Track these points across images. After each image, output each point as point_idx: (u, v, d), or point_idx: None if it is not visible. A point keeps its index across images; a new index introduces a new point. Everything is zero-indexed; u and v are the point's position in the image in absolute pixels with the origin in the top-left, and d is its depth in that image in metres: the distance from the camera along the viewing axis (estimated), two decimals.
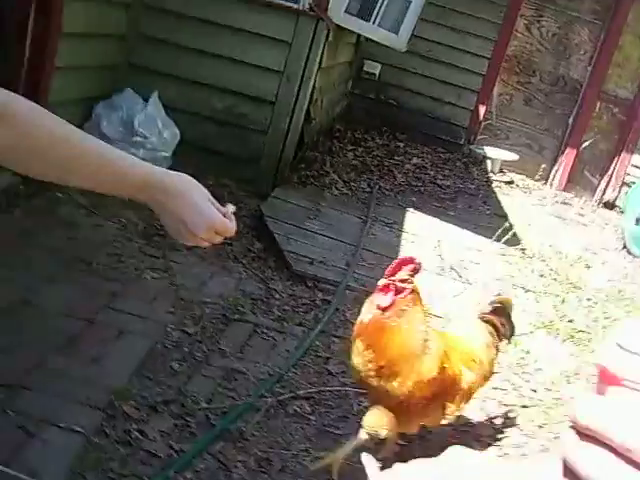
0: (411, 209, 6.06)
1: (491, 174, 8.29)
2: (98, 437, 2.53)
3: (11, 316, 3.09)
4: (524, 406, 3.49)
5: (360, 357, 2.54)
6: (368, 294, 2.65)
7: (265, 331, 3.53)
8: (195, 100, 5.32)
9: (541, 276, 5.32)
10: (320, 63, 5.42)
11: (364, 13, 5.98)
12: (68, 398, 2.69)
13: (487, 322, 2.95)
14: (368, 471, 2.60)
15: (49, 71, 4.33)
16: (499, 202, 7.29)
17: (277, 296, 3.91)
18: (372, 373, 2.51)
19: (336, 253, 4.54)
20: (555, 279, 5.29)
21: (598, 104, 8.69)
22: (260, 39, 5.19)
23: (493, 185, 7.96)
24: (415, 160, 7.60)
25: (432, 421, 2.77)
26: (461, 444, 3.08)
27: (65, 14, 4.32)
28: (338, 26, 5.73)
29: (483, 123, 8.78)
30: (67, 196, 4.40)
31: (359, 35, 7.59)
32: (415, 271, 2.48)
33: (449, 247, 5.29)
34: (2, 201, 4.14)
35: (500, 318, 2.98)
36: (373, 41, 7.16)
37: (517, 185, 8.40)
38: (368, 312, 2.52)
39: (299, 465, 2.68)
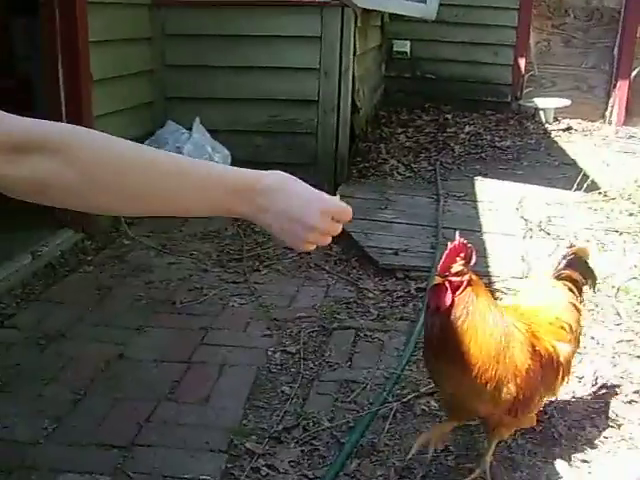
0: (478, 177, 5.84)
1: (547, 125, 8.03)
2: None
3: (109, 373, 2.99)
4: None
5: (446, 377, 2.21)
6: None
7: (368, 333, 3.35)
8: (238, 117, 5.20)
9: (631, 215, 5.06)
10: (354, 51, 5.24)
11: None
12: (186, 446, 2.55)
13: (564, 279, 2.58)
14: None
15: (88, 120, 4.23)
16: (563, 151, 7.03)
17: (370, 295, 3.73)
18: (467, 391, 2.18)
19: (418, 238, 4.33)
20: None
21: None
22: (289, 40, 5.03)
23: (552, 135, 7.69)
24: (468, 128, 7.37)
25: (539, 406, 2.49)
26: (605, 408, 2.88)
27: (92, 61, 4.24)
28: (364, 10, 5.54)
29: (526, 76, 8.48)
30: (134, 241, 4.32)
31: (382, 17, 7.42)
32: (468, 258, 2.19)
33: (529, 207, 5.05)
34: (72, 261, 4.08)
35: (577, 270, 2.62)
36: (399, 17, 6.99)
37: (576, 130, 8.11)
38: (431, 321, 2.16)
39: (442, 467, 2.49)
